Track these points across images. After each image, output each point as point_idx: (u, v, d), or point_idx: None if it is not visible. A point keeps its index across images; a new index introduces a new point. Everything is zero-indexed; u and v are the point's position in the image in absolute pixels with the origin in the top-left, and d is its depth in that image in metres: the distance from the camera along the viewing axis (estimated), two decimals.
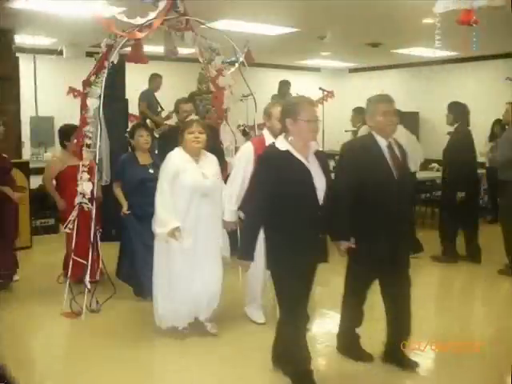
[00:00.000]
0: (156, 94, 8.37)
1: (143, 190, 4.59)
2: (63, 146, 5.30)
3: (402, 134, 4.47)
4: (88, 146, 4.53)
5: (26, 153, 8.21)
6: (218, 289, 4.06)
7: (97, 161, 4.54)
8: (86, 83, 4.59)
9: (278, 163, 3.11)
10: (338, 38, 7.18)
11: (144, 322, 4.29)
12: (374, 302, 3.70)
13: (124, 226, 4.78)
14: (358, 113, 6.76)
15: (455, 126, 6.10)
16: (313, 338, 3.91)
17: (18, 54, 7.46)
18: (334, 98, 9.58)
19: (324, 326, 4.32)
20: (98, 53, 4.72)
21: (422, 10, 5.64)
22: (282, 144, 3.17)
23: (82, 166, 4.47)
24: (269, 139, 3.91)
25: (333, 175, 3.50)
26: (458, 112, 6.10)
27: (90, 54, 6.00)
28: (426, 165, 8.27)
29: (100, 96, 4.49)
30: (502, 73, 8.94)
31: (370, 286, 3.59)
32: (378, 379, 3.56)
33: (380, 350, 3.68)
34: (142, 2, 4.85)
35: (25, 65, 7.95)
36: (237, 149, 4.94)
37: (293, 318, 3.19)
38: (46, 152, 8.58)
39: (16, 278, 5.25)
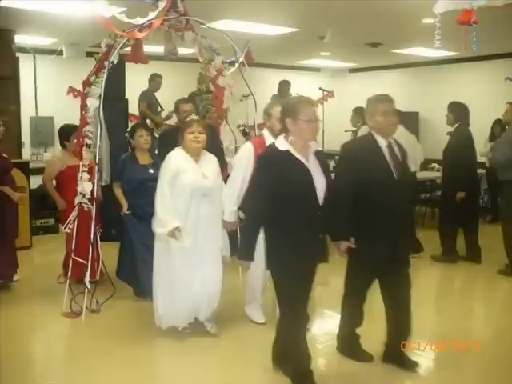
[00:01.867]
0: (156, 94, 8.38)
1: (143, 190, 4.59)
2: (63, 145, 5.31)
3: (401, 134, 4.47)
4: (88, 145, 4.54)
5: (26, 153, 8.21)
6: (217, 289, 4.06)
7: (97, 161, 4.55)
8: (86, 83, 4.59)
9: (278, 163, 3.10)
10: (338, 38, 7.17)
11: (144, 322, 4.29)
12: (374, 302, 3.70)
13: (124, 226, 4.79)
14: (358, 113, 6.76)
15: (455, 126, 6.11)
16: (313, 338, 3.92)
17: (18, 54, 7.47)
18: (334, 97, 9.57)
19: (324, 326, 4.32)
20: (97, 53, 4.72)
21: (422, 9, 5.64)
22: (282, 144, 3.16)
23: (82, 166, 4.47)
24: (269, 139, 3.90)
25: (333, 175, 3.50)
26: (458, 112, 6.10)
27: (90, 54, 5.99)
28: (425, 165, 8.27)
29: (100, 96, 4.49)
30: (502, 73, 8.94)
31: (370, 286, 3.59)
32: (378, 379, 3.56)
33: (380, 350, 3.68)
34: (141, 1, 4.85)
35: (25, 65, 7.95)
36: (237, 149, 4.93)
37: (293, 318, 3.18)
38: (45, 152, 8.58)
39: (16, 277, 5.26)
